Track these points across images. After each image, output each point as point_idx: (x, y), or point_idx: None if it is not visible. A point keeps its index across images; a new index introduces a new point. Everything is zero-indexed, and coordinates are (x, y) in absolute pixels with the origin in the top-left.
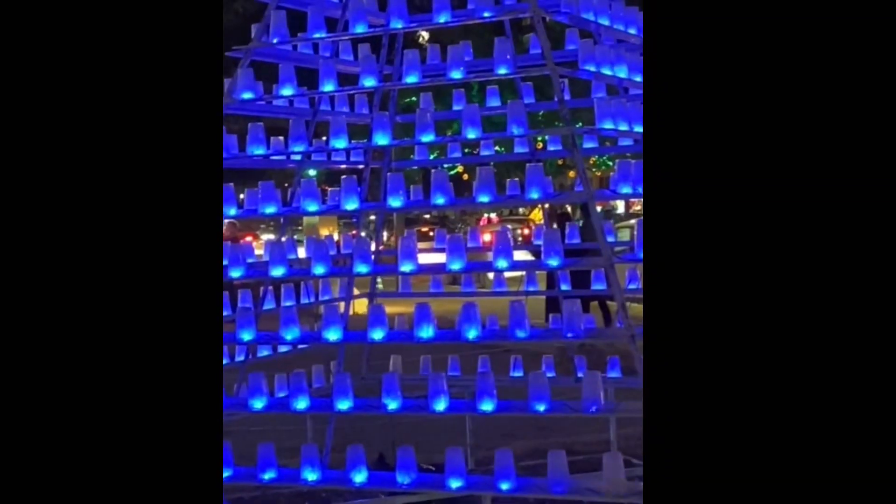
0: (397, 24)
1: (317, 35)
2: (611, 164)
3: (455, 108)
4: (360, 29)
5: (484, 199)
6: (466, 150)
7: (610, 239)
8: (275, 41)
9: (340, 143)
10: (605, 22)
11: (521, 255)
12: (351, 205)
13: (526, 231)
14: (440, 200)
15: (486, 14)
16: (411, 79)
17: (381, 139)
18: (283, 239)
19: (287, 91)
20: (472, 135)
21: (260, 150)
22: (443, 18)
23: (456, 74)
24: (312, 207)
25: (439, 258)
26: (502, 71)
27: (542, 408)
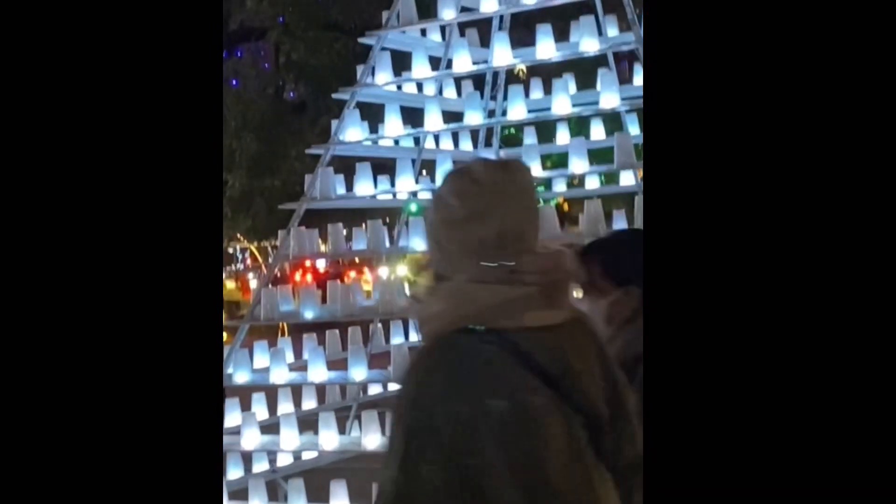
0: (500, 61)
1: (421, 74)
2: None
3: (559, 141)
4: (463, 66)
5: (591, 232)
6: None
7: None
8: (380, 82)
9: None
10: None
11: None
12: None
13: None
14: (544, 233)
15: (591, 47)
16: (517, 115)
17: None
18: (393, 277)
19: (393, 130)
20: (578, 168)
21: (367, 189)
22: (547, 54)
23: (561, 109)
24: (420, 245)
25: None
26: (608, 103)
27: None
